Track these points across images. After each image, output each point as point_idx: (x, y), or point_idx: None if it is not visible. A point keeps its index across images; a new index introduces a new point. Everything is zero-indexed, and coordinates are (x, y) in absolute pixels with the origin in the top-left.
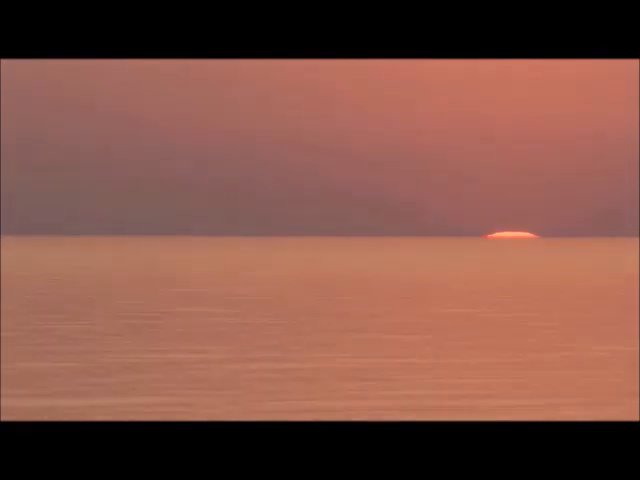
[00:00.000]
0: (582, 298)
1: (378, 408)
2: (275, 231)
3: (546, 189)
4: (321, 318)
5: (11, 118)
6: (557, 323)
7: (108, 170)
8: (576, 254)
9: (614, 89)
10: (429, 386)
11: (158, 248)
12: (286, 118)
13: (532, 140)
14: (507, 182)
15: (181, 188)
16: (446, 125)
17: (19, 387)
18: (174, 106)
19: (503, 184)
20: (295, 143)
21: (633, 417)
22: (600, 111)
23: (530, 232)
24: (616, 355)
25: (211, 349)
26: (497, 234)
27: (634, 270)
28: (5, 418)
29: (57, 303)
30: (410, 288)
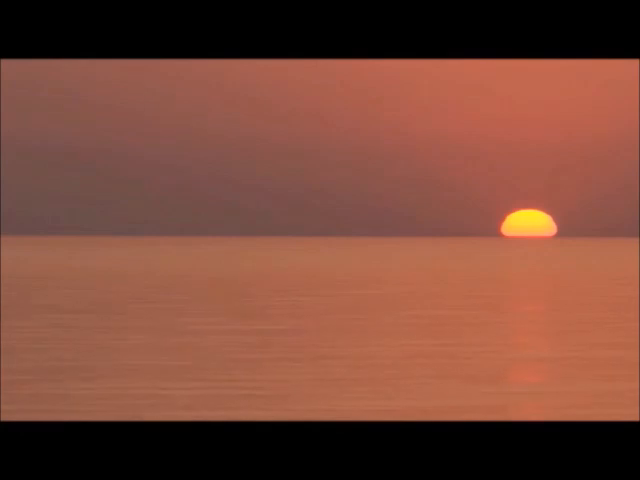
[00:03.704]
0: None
1: None
2: (270, 231)
3: (550, 189)
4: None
5: (11, 118)
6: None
7: (108, 170)
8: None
9: (614, 89)
10: None
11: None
12: (286, 119)
13: (531, 139)
14: (513, 180)
15: (179, 189)
16: (448, 125)
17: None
18: (173, 106)
19: (509, 181)
20: (296, 143)
21: (633, 417)
22: (600, 111)
23: (550, 233)
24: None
25: None
26: (513, 233)
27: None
28: (5, 418)
29: None
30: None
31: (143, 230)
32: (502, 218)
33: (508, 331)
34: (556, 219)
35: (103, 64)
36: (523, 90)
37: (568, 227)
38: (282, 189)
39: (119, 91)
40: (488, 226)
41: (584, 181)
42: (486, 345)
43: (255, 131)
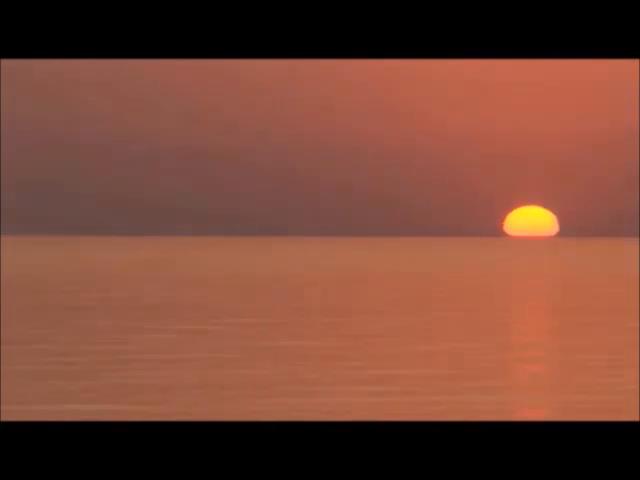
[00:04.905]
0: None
1: None
2: (273, 231)
3: (554, 189)
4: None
5: (11, 117)
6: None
7: (108, 170)
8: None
9: (614, 89)
10: None
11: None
12: (288, 117)
13: (530, 140)
14: (515, 181)
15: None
16: (448, 124)
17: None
18: (173, 106)
19: (511, 183)
20: (296, 142)
21: (632, 417)
22: (600, 111)
23: (552, 232)
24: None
25: None
26: (515, 232)
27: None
28: (5, 418)
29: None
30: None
31: (142, 230)
32: (503, 216)
33: (515, 332)
34: (558, 218)
35: (103, 64)
36: (524, 90)
37: (569, 226)
38: (282, 189)
39: (119, 91)
40: (490, 224)
41: (585, 181)
42: (493, 346)
43: (255, 131)
